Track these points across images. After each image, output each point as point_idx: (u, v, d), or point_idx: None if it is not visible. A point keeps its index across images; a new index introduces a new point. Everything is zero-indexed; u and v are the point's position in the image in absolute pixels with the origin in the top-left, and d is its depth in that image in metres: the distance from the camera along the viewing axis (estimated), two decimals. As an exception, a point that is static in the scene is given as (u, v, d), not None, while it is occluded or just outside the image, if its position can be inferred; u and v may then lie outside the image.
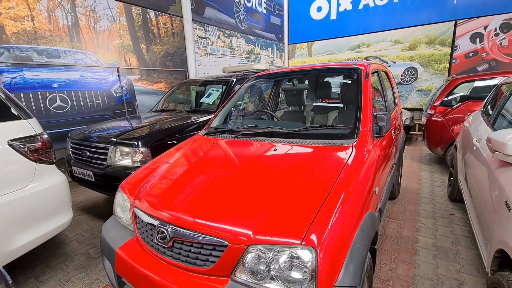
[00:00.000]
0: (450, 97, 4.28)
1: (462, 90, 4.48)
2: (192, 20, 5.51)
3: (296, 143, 1.64)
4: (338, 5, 8.04)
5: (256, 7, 7.75)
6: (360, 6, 7.73)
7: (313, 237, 0.98)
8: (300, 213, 1.08)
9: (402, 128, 3.49)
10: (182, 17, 5.26)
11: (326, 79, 3.00)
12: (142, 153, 2.60)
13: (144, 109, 4.74)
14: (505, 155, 1.49)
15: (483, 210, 1.80)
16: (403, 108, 7.11)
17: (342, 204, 1.13)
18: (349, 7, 7.89)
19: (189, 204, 1.24)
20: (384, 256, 2.26)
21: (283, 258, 0.98)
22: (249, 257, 1.02)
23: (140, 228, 1.37)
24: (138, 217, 1.37)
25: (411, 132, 6.55)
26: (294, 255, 0.97)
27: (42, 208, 1.81)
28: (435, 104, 4.34)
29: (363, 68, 2.02)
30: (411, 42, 7.23)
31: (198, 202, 1.25)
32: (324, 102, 3.07)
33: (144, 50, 4.74)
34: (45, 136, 1.90)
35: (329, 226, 1.03)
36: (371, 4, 7.53)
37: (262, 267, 1.00)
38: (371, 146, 1.64)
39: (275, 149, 1.60)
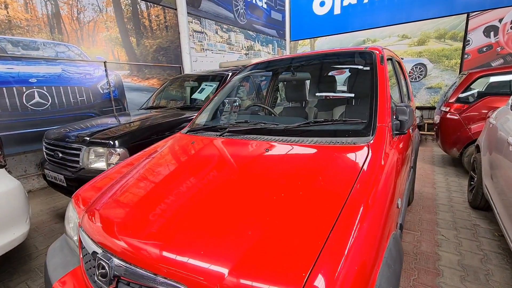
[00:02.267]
0: (467, 93, 3.90)
1: (477, 86, 4.09)
2: (188, 13, 5.19)
3: (295, 142, 1.28)
4: (342, -1, 7.68)
5: (256, 1, 7.41)
6: (366, 0, 7.35)
7: (319, 282, 0.63)
8: (299, 245, 0.73)
9: (416, 126, 3.13)
10: (176, 9, 4.93)
11: (331, 73, 2.64)
12: (119, 154, 2.26)
13: (134, 106, 4.41)
14: None
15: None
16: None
17: (359, 227, 0.78)
18: (354, 1, 7.52)
19: (144, 229, 0.89)
20: (401, 277, 1.89)
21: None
22: (220, 313, 0.67)
23: (85, 255, 1.03)
24: (82, 241, 1.03)
25: (420, 132, 6.15)
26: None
27: (-17, 222, 1.48)
28: (450, 101, 3.95)
29: (378, 51, 1.67)
30: (420, 37, 6.83)
31: (157, 225, 0.90)
32: (339, 92, 2.70)
33: (134, 43, 4.42)
34: (-9, 134, 1.57)
35: (340, 265, 0.68)
36: (377, -3, 7.16)
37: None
38: (391, 145, 1.28)
39: (268, 151, 1.24)
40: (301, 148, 1.23)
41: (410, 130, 2.03)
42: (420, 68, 6.94)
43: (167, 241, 0.82)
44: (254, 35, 7.56)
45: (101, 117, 3.28)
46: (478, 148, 2.90)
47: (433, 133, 5.61)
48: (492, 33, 6.04)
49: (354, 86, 1.94)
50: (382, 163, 1.11)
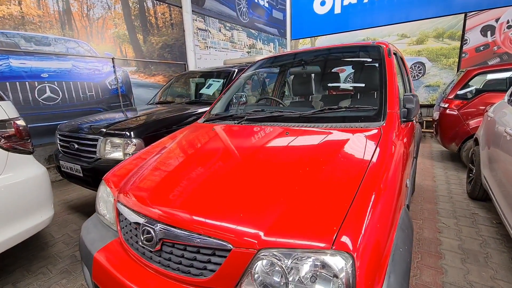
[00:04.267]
0: (465, 90, 4.03)
1: (475, 83, 4.22)
2: (192, 11, 5.27)
3: (312, 127, 1.39)
4: (343, -2, 7.81)
5: (258, 0, 7.51)
6: (366, 0, 7.49)
7: (346, 239, 0.73)
8: (326, 209, 0.83)
9: (417, 120, 3.24)
10: (181, 7, 5.02)
11: (335, 69, 2.74)
12: (135, 145, 2.35)
13: (140, 102, 4.49)
14: None
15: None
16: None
17: (376, 198, 0.88)
18: (354, 0, 7.64)
19: (183, 199, 0.99)
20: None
21: (306, 267, 0.73)
22: (260, 265, 0.77)
23: (123, 228, 1.12)
24: (122, 214, 1.12)
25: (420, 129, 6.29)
26: (322, 263, 0.72)
27: (15, 203, 1.57)
28: (449, 97, 4.08)
29: (385, 45, 1.78)
30: (418, 36, 6.97)
31: (194, 196, 1.00)
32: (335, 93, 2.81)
33: (141, 40, 4.50)
34: (21, 122, 1.65)
35: (365, 226, 0.78)
36: (377, -3, 7.29)
37: (277, 279, 0.75)
38: (400, 131, 1.39)
39: (288, 134, 1.35)
40: (318, 132, 1.34)
41: (414, 122, 2.14)
42: (419, 67, 7.08)
43: (206, 206, 0.92)
44: (256, 34, 7.66)
45: (112, 111, 3.36)
46: (476, 142, 3.02)
47: (432, 130, 5.74)
48: (489, 33, 6.19)
49: (361, 78, 2.05)
50: (394, 144, 1.22)
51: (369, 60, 1.81)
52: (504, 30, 6.03)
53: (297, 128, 1.41)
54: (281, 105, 2.25)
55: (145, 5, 4.50)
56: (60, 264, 2.12)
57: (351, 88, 2.46)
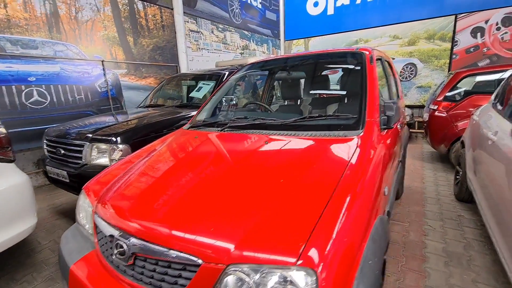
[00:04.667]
0: (453, 92, 4.07)
1: (464, 85, 4.27)
2: (184, 12, 5.25)
3: (292, 135, 1.39)
4: (335, 0, 7.82)
5: (251, 1, 7.51)
6: (358, 1, 7.52)
7: (313, 253, 0.74)
8: (296, 222, 0.84)
9: (405, 123, 3.27)
10: (172, 9, 5.00)
11: (324, 72, 2.76)
12: (122, 150, 2.34)
13: (131, 105, 4.47)
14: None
15: (505, 212, 1.58)
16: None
17: (348, 208, 0.90)
18: (347, 1, 7.68)
19: (156, 213, 0.99)
20: (391, 263, 2.03)
21: (272, 282, 0.74)
22: (229, 280, 0.78)
23: (100, 239, 1.12)
24: (98, 226, 1.12)
25: (410, 130, 6.35)
26: (287, 279, 0.73)
27: (-5, 213, 1.55)
28: (438, 99, 4.13)
29: (367, 52, 1.79)
30: (410, 37, 7.03)
31: (167, 210, 1.00)
32: (333, 89, 2.82)
33: (131, 42, 4.47)
34: (1, 129, 1.64)
35: (332, 239, 0.79)
36: (369, -1, 7.33)
37: (245, 294, 0.76)
38: (379, 138, 1.40)
39: (267, 143, 1.35)
40: (297, 140, 1.35)
41: (399, 127, 2.16)
42: (410, 68, 7.14)
43: (179, 220, 0.92)
44: (249, 35, 7.66)
45: (101, 115, 3.34)
46: (463, 144, 3.06)
47: (423, 131, 5.80)
48: (479, 34, 6.26)
49: (346, 84, 2.07)
50: (371, 153, 1.23)
51: (351, 67, 1.82)
52: (494, 31, 6.11)
53: (278, 137, 1.42)
54: (268, 110, 2.25)
55: (135, 7, 4.47)
56: (45, 272, 2.10)
57: (338, 90, 2.47)
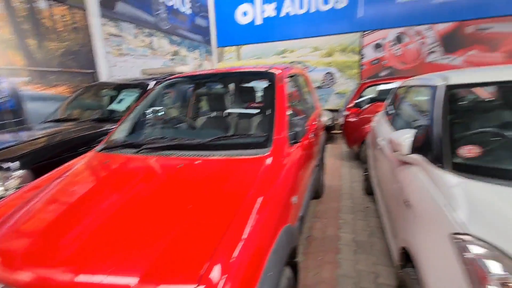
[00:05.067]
0: (361, 99, 4.77)
1: (371, 93, 5.05)
2: (102, 14, 4.80)
3: (205, 156, 1.44)
4: (263, 11, 8.26)
5: (178, 6, 7.32)
6: (283, 14, 8.10)
7: (214, 275, 0.80)
8: (199, 245, 0.89)
9: (323, 129, 3.68)
10: (85, 10, 4.51)
11: (248, 84, 2.91)
12: (20, 177, 2.02)
13: (39, 118, 3.85)
14: (402, 155, 1.60)
15: (390, 204, 1.94)
16: (326, 110, 7.74)
17: (252, 225, 0.98)
18: (273, 13, 8.19)
19: (51, 256, 0.91)
20: (311, 259, 2.26)
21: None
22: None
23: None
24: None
25: (332, 132, 7.13)
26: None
27: None
28: (349, 106, 4.77)
29: (278, 72, 1.97)
30: (328, 49, 7.92)
31: (64, 250, 0.92)
32: (249, 107, 2.97)
33: (34, 46, 3.86)
34: None
35: (235, 256, 0.86)
36: (292, 12, 7.97)
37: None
38: (287, 154, 1.56)
39: (180, 166, 1.37)
40: (209, 162, 1.40)
41: (311, 136, 2.43)
42: (330, 76, 8.03)
43: (75, 266, 0.87)
44: (179, 40, 7.46)
45: (-7, 134, 2.79)
46: (367, 145, 3.62)
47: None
48: (379, 49, 7.46)
49: (263, 99, 2.23)
50: (277, 169, 1.37)
51: (264, 85, 1.98)
52: (390, 47, 7.36)
53: (192, 158, 1.45)
54: (191, 126, 2.25)
55: (36, 5, 3.88)
56: None
57: (247, 112, 2.56)
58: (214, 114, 2.54)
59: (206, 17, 8.75)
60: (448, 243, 0.99)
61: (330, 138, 7.02)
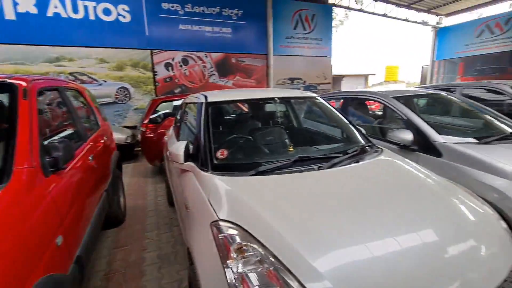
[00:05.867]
0: (155, 115, 4.86)
1: (165, 108, 5.27)
2: None
3: None
4: (15, 3, 6.26)
5: None
6: (50, 13, 6.57)
7: None
8: None
9: (115, 148, 3.35)
10: None
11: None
12: None
13: None
14: (180, 164, 1.78)
15: (180, 211, 2.09)
16: (125, 127, 7.18)
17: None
18: (34, 10, 6.43)
19: None
20: (110, 298, 1.97)
21: None
22: None
23: None
24: None
25: (135, 149, 6.75)
26: None
27: None
28: (144, 122, 4.71)
29: (22, 84, 1.53)
30: (117, 62, 7.39)
31: None
32: None
33: None
34: None
35: None
36: (64, 15, 6.66)
37: None
38: (41, 187, 1.24)
39: None
40: None
41: (91, 160, 2.12)
42: (124, 91, 7.56)
43: None
44: None
45: None
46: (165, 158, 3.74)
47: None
48: (170, 68, 8.00)
49: None
50: (20, 210, 1.04)
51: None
52: (179, 68, 8.10)
53: None
54: None
55: None
56: None
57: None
58: None
59: None
60: (209, 231, 1.19)
61: (133, 157, 6.60)
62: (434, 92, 3.32)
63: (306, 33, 9.92)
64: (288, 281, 0.93)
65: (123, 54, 7.44)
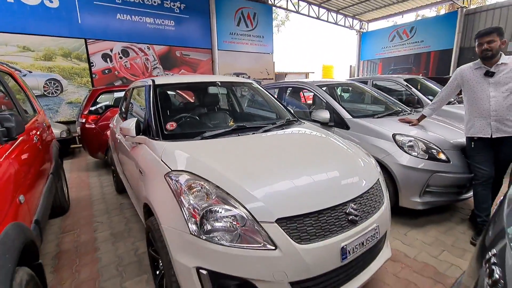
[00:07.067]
0: (96, 106, 4.69)
1: (106, 100, 5.09)
2: None
3: None
4: None
5: None
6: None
7: None
8: None
9: (54, 138, 3.25)
10: None
11: None
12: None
13: None
14: (131, 137, 1.98)
15: (132, 182, 2.27)
16: (58, 122, 6.58)
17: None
18: None
19: None
20: (65, 272, 2.06)
21: None
22: None
23: None
24: None
25: (72, 146, 6.30)
26: None
27: None
28: (84, 113, 4.53)
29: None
30: (44, 52, 6.71)
31: None
32: None
33: None
34: None
35: None
36: (-28, -6, 5.80)
37: None
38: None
39: None
40: None
41: (36, 140, 2.14)
42: (55, 84, 6.92)
43: None
44: None
45: None
46: (110, 147, 3.73)
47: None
48: (108, 59, 7.59)
49: None
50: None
51: None
52: (118, 59, 7.73)
53: None
54: None
55: None
56: None
57: None
58: None
59: None
60: (164, 182, 1.47)
61: (70, 153, 6.15)
62: (348, 82, 4.08)
63: (248, 30, 10.41)
64: (232, 203, 1.27)
65: (52, 43, 6.79)
